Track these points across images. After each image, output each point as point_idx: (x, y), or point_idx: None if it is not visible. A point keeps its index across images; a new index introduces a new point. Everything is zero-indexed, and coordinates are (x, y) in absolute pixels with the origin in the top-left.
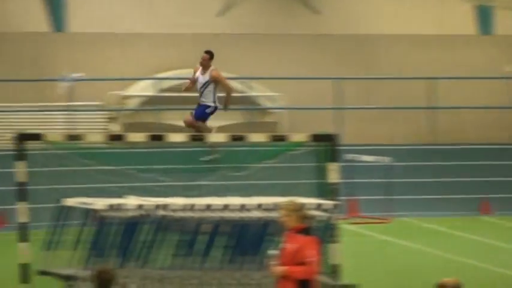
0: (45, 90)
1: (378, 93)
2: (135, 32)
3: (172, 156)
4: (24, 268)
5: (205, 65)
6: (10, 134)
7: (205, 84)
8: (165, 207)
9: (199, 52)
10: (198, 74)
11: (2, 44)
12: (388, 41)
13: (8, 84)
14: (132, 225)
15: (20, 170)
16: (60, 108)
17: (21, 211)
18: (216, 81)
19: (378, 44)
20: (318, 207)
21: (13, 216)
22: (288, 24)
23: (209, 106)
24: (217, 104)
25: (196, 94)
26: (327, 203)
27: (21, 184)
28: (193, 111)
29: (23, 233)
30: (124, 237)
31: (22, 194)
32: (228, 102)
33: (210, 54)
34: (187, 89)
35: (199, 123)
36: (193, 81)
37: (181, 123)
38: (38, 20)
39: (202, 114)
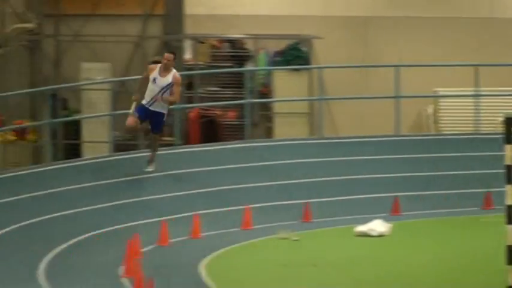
0: None
1: None
2: None
3: None
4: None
5: (168, 66)
6: (500, 118)
7: (167, 87)
8: None
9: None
10: (155, 75)
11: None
12: None
13: (498, 69)
14: None
15: (509, 153)
16: None
17: (510, 193)
18: (176, 85)
19: None
20: None
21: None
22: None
23: (164, 114)
24: None
25: None
26: None
27: (509, 167)
28: (152, 128)
29: (511, 215)
30: None
31: (510, 176)
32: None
33: (174, 55)
34: (140, 90)
35: (157, 137)
36: (146, 82)
37: None
38: None
39: (160, 125)
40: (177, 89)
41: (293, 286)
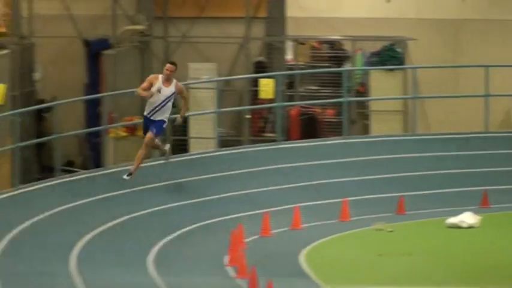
0: None
1: None
2: None
3: None
4: None
5: (170, 77)
6: None
7: (170, 97)
8: None
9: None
10: (159, 85)
11: None
12: None
13: None
14: None
15: None
16: None
17: None
18: (180, 94)
19: None
20: None
21: None
22: None
23: (165, 121)
24: None
25: None
26: None
27: None
28: (152, 128)
29: None
30: None
31: None
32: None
33: (176, 66)
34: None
35: (157, 141)
36: (150, 93)
37: None
38: None
39: (161, 130)
40: (186, 95)
41: (388, 274)
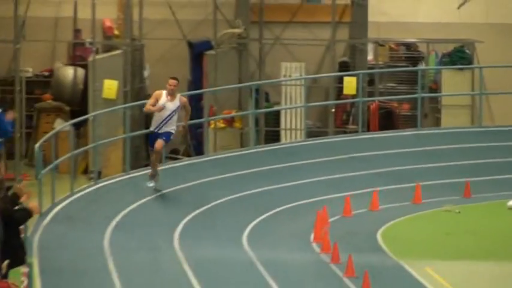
0: None
1: None
2: None
3: None
4: None
5: (174, 91)
6: None
7: (176, 111)
8: None
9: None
10: (163, 101)
11: None
12: None
13: None
14: None
15: None
16: None
17: None
18: (184, 106)
19: None
20: None
21: None
22: None
23: (173, 132)
24: None
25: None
26: None
27: None
28: (162, 137)
29: None
30: None
31: None
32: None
33: (178, 81)
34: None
35: (161, 150)
36: (159, 107)
37: None
38: None
39: (169, 138)
40: (188, 107)
41: (454, 251)
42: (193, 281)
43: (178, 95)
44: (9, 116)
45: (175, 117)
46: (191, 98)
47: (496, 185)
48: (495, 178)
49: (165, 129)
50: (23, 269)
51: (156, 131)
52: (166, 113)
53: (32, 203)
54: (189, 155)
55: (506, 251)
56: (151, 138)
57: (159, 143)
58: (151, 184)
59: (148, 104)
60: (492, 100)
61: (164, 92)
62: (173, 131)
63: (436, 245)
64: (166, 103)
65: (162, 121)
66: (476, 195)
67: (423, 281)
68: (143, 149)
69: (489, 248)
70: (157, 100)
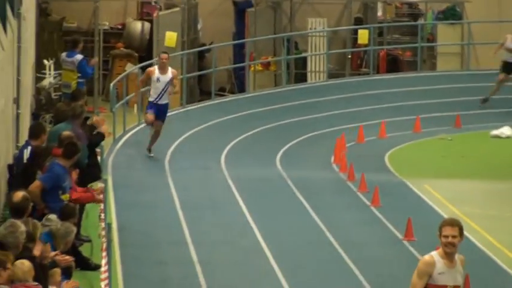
0: None
1: None
2: None
3: None
4: None
5: (165, 65)
6: None
7: (169, 83)
8: None
9: None
10: (157, 75)
11: None
12: None
13: None
14: None
15: None
16: None
17: None
18: (175, 78)
19: None
20: None
21: None
22: None
23: (168, 104)
24: None
25: None
26: None
27: None
28: (162, 117)
29: None
30: None
31: None
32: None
33: (168, 54)
34: (140, 87)
35: (161, 126)
36: (145, 83)
37: None
38: None
39: (166, 114)
40: (177, 81)
41: (449, 170)
42: (236, 193)
43: (169, 68)
44: (93, 62)
45: (169, 89)
46: (235, 47)
47: (481, 118)
48: (480, 112)
49: (163, 100)
50: (99, 184)
51: (155, 102)
52: (161, 85)
53: (103, 127)
54: (233, 92)
55: (489, 172)
56: (152, 107)
57: (159, 125)
58: (151, 154)
59: (139, 81)
60: (478, 49)
61: (156, 68)
62: (168, 102)
63: (433, 166)
64: (160, 77)
65: (160, 93)
66: (465, 126)
67: (422, 195)
68: (197, 87)
69: (476, 168)
70: (149, 77)
